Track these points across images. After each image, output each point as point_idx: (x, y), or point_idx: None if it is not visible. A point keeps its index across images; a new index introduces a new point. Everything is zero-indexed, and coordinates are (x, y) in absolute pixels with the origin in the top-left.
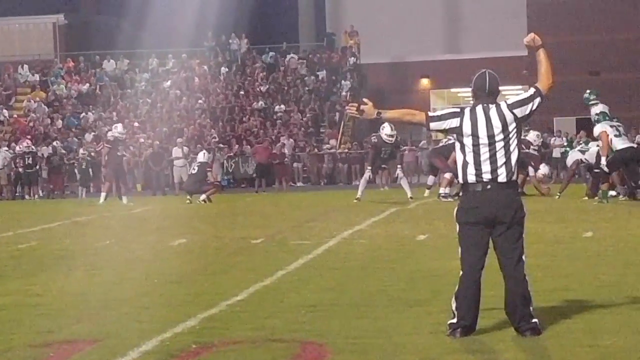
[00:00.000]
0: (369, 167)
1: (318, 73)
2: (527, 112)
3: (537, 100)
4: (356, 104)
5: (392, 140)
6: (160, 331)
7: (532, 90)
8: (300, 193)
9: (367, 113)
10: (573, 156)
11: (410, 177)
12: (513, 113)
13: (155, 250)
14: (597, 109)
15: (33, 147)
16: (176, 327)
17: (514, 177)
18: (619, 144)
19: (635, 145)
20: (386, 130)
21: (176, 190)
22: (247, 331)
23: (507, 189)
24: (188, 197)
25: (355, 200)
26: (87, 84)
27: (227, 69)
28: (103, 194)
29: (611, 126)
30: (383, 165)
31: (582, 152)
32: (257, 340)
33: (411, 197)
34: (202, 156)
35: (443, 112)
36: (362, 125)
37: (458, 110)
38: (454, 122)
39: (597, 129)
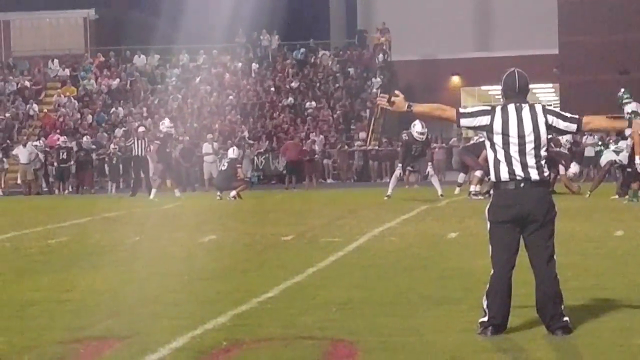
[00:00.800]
0: (400, 165)
1: (349, 70)
2: (559, 126)
3: (574, 127)
4: (387, 96)
5: (422, 138)
6: (190, 328)
7: (575, 116)
8: (330, 190)
9: (397, 105)
10: (607, 156)
11: (441, 174)
12: (546, 118)
13: (185, 246)
14: (629, 107)
15: (68, 142)
16: (207, 324)
17: (546, 176)
18: None
19: None
20: (417, 127)
21: (206, 187)
22: (277, 328)
23: (539, 187)
24: (218, 193)
25: (386, 198)
26: (118, 79)
27: (257, 65)
28: (154, 190)
29: None
30: (412, 165)
31: (617, 152)
32: (288, 337)
33: (442, 195)
34: (232, 152)
35: (474, 109)
36: (392, 122)
37: (489, 108)
38: (484, 120)
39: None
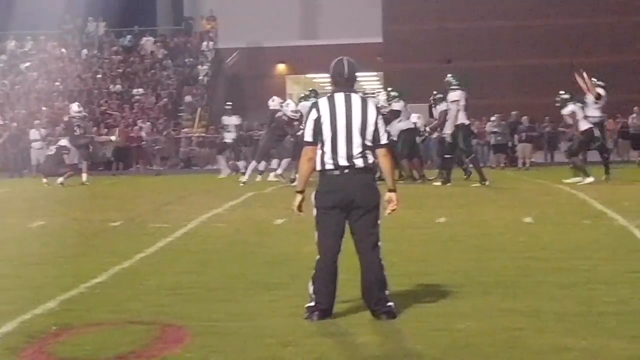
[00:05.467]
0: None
1: (175, 57)
2: (377, 132)
3: (377, 145)
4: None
5: (297, 116)
6: (19, 312)
7: (385, 142)
8: (159, 176)
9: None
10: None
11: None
12: (377, 118)
13: (14, 232)
14: (454, 95)
15: None
16: (36, 309)
17: (370, 163)
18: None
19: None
20: (291, 106)
21: (34, 173)
22: (106, 313)
23: (363, 174)
24: (45, 179)
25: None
26: None
27: (87, 52)
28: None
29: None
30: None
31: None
32: (117, 322)
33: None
34: (64, 141)
35: (306, 124)
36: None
37: (313, 103)
38: (313, 116)
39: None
